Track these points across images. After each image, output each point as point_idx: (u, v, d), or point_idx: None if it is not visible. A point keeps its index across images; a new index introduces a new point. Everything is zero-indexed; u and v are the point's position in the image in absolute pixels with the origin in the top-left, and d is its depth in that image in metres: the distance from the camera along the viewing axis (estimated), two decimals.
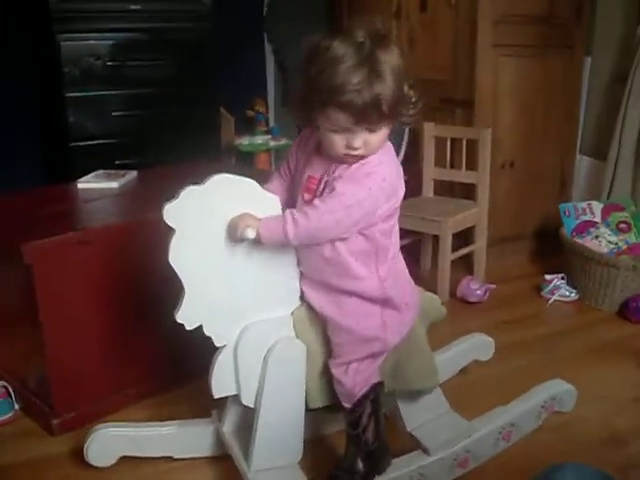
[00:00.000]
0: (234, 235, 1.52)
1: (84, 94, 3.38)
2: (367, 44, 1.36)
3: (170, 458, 1.91)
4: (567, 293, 3.04)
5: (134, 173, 2.71)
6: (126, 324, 2.11)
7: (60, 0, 3.24)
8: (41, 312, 1.96)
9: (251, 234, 1.50)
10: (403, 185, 1.56)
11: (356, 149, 1.44)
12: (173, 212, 1.49)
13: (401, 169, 1.56)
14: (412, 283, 1.73)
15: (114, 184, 2.56)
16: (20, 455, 2.00)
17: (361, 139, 1.43)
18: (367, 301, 1.60)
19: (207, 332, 1.59)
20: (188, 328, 1.55)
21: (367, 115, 1.39)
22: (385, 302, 1.61)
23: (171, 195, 1.50)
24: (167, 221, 1.49)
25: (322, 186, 1.52)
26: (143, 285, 2.08)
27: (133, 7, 3.45)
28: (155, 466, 1.89)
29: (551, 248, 3.31)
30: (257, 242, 1.52)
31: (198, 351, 1.68)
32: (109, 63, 3.40)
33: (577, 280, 3.04)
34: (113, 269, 2.07)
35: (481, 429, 1.85)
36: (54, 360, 2.02)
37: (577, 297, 3.03)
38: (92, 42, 3.37)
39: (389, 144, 1.54)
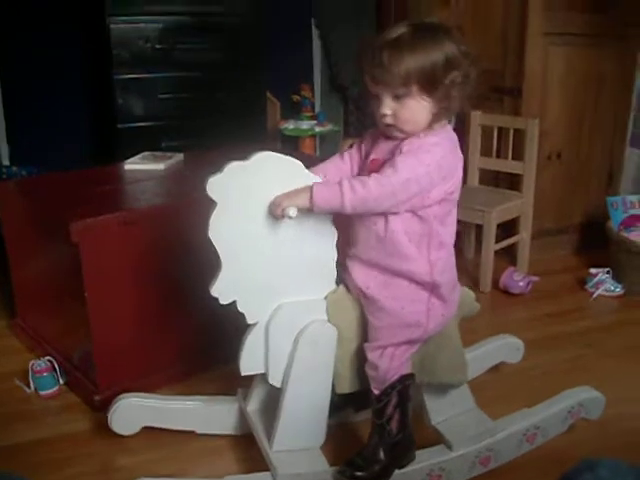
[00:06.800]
0: (275, 212, 1.53)
1: (132, 76, 3.42)
2: (406, 30, 1.49)
3: (192, 433, 1.94)
4: (612, 287, 2.98)
5: (180, 155, 2.75)
6: (167, 304, 2.14)
7: None
8: (87, 289, 2.00)
9: (293, 213, 1.50)
10: (461, 173, 1.60)
11: (385, 115, 1.53)
12: (217, 185, 1.51)
13: (461, 156, 1.60)
14: (457, 278, 1.72)
15: (160, 166, 2.60)
16: (62, 428, 2.05)
17: (388, 106, 1.52)
18: (415, 285, 1.61)
19: (240, 308, 1.60)
20: (222, 303, 1.57)
21: (380, 76, 1.49)
22: (433, 289, 1.62)
23: (215, 171, 1.52)
24: (210, 194, 1.51)
25: (385, 165, 1.56)
26: (185, 265, 2.11)
27: None
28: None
29: (596, 241, 3.24)
30: (308, 210, 1.52)
31: (234, 334, 1.70)
32: (157, 46, 3.43)
33: (623, 275, 2.99)
34: (156, 249, 2.10)
35: (505, 429, 1.84)
36: (98, 336, 2.06)
37: (622, 292, 2.98)
38: (141, 25, 3.40)
39: (451, 132, 1.60)
